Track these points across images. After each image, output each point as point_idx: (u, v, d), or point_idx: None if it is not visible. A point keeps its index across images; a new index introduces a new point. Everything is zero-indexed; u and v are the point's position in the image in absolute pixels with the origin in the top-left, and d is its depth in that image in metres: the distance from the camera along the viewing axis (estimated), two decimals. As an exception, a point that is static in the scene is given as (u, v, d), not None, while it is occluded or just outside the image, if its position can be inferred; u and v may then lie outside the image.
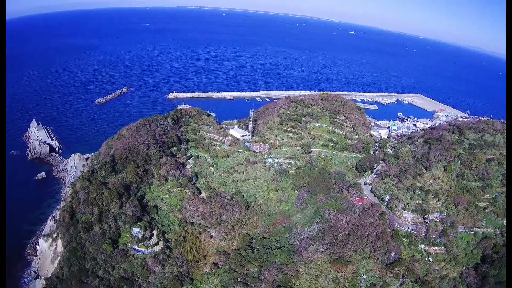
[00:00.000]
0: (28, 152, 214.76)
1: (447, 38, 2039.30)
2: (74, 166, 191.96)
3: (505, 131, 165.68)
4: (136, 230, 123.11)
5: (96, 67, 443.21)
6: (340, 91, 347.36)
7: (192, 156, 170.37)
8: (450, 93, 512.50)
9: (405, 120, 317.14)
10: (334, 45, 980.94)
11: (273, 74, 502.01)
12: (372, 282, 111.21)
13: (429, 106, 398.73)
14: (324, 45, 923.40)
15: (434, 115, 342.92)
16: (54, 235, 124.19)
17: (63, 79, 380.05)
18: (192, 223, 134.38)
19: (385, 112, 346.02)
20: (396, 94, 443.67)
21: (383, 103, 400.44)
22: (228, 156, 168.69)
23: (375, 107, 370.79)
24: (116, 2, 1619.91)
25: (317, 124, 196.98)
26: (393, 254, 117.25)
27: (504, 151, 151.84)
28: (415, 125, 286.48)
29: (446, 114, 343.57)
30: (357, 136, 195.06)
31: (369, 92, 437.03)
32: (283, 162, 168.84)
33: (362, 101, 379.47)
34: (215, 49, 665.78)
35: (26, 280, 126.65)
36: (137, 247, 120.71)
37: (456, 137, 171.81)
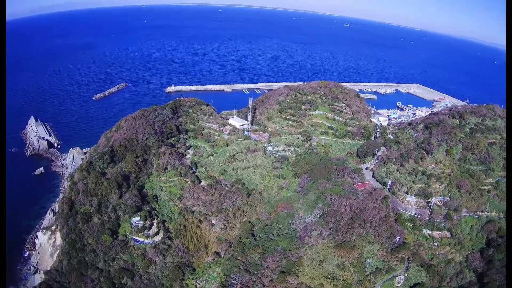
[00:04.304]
0: (26, 148, 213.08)
1: (443, 29, 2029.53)
2: (72, 160, 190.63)
3: (505, 116, 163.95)
4: (135, 220, 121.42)
5: (93, 65, 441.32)
6: (339, 81, 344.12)
7: (191, 146, 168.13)
8: (448, 82, 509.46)
9: (404, 109, 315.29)
10: (331, 38, 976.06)
11: (271, 66, 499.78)
12: (377, 267, 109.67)
13: (428, 95, 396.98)
14: (321, 38, 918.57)
15: (433, 104, 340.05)
16: (53, 228, 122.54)
17: (61, 77, 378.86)
18: (193, 212, 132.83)
19: (384, 102, 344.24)
20: (395, 84, 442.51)
21: (382, 92, 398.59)
22: (227, 145, 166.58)
23: (374, 96, 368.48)
24: (112, 1, 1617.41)
25: (316, 112, 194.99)
26: (397, 238, 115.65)
27: (505, 135, 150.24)
28: (414, 113, 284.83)
29: (445, 102, 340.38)
30: (357, 123, 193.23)
31: (367, 82, 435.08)
32: (283, 150, 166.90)
33: (361, 91, 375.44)
34: (212, 45, 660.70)
35: (25, 275, 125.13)
36: (137, 238, 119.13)
37: (457, 121, 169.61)
